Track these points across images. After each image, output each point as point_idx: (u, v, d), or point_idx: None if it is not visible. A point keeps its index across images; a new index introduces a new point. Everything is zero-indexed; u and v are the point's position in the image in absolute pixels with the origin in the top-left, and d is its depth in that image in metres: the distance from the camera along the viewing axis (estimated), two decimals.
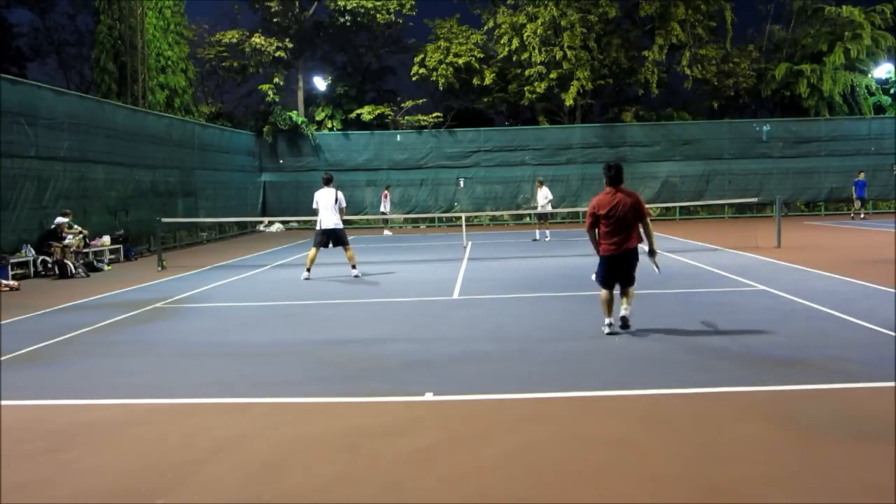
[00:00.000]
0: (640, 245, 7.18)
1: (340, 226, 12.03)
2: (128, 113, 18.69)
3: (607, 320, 7.08)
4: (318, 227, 12.03)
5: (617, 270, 7.13)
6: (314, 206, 12.16)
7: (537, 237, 19.31)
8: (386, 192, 24.89)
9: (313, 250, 12.16)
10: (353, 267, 12.22)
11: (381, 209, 24.68)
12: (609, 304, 7.11)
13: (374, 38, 30.21)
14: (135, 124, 18.66)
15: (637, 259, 7.15)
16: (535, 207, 19.37)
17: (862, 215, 24.51)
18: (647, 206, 7.18)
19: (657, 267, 7.43)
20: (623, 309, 7.15)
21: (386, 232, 24.63)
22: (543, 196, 18.83)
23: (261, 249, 18.88)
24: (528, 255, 15.65)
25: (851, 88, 29.36)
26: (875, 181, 26.63)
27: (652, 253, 7.22)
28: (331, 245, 12.14)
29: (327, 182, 12.11)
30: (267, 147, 28.53)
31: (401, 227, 27.83)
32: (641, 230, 7.12)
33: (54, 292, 11.54)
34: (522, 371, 5.87)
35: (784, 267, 11.85)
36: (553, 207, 20.58)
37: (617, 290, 7.24)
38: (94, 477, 3.93)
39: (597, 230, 7.15)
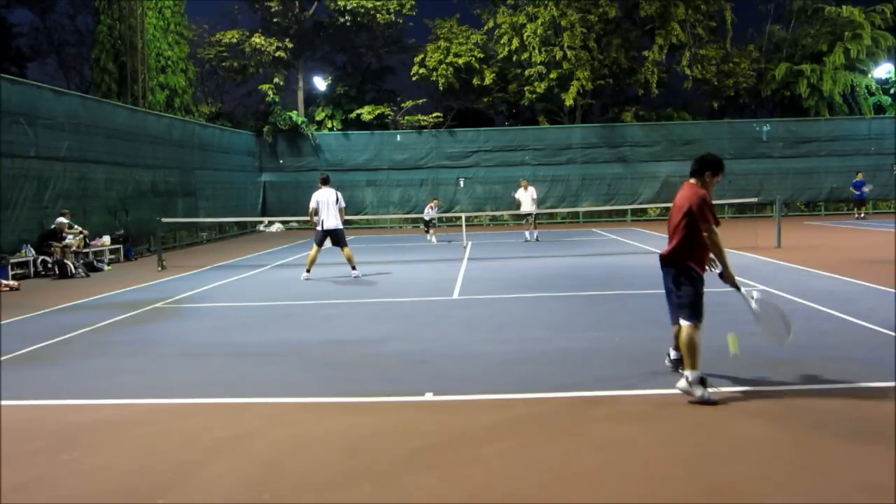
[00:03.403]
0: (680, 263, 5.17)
1: (341, 226, 11.99)
2: (128, 113, 18.69)
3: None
4: (319, 228, 11.94)
5: (666, 292, 5.32)
6: (313, 205, 11.96)
7: (528, 238, 19.26)
8: (433, 203, 22.06)
9: (314, 250, 12.12)
10: (353, 268, 12.16)
11: (427, 216, 21.53)
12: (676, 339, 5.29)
13: (374, 38, 30.22)
14: (135, 124, 18.67)
15: (675, 277, 5.10)
16: (519, 207, 19.27)
17: (858, 216, 24.57)
18: (697, 208, 4.97)
19: (752, 303, 5.20)
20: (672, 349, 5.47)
21: (430, 238, 21.29)
22: (529, 196, 18.79)
23: (261, 249, 18.89)
24: (528, 255, 15.65)
25: (851, 88, 29.37)
26: (875, 181, 26.58)
27: (725, 276, 5.08)
28: (328, 243, 12.10)
29: (326, 182, 12.03)
30: (267, 147, 28.54)
31: (401, 227, 27.84)
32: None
33: (54, 292, 11.53)
34: (522, 371, 5.87)
35: (784, 267, 11.85)
36: (549, 207, 20.41)
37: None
38: (94, 477, 3.93)
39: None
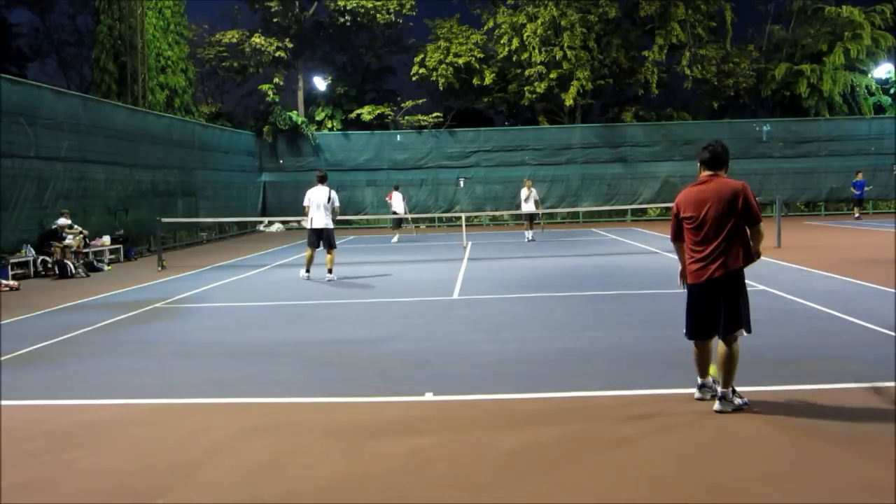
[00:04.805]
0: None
1: (331, 226, 11.67)
2: (128, 113, 18.69)
3: (699, 381, 4.88)
4: (308, 226, 11.71)
5: (703, 309, 4.64)
6: (305, 203, 11.78)
7: (530, 237, 19.26)
8: (392, 192, 20.88)
9: (309, 250, 12.02)
10: (330, 271, 11.76)
11: (395, 210, 20.43)
12: (701, 360, 4.83)
13: (374, 38, 30.22)
14: (135, 124, 18.66)
15: (736, 291, 4.56)
16: (521, 206, 19.30)
17: (855, 216, 24.60)
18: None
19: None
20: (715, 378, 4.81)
21: (394, 238, 20.14)
22: (532, 197, 18.83)
23: (261, 249, 18.88)
24: (528, 255, 15.65)
25: (851, 88, 29.37)
26: (875, 181, 26.58)
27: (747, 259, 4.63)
28: (321, 245, 11.76)
29: (322, 180, 11.80)
30: (267, 147, 28.53)
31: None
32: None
33: (54, 292, 11.53)
34: (522, 371, 5.87)
35: (784, 267, 11.85)
36: (549, 207, 20.41)
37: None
38: (94, 477, 3.93)
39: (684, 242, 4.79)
